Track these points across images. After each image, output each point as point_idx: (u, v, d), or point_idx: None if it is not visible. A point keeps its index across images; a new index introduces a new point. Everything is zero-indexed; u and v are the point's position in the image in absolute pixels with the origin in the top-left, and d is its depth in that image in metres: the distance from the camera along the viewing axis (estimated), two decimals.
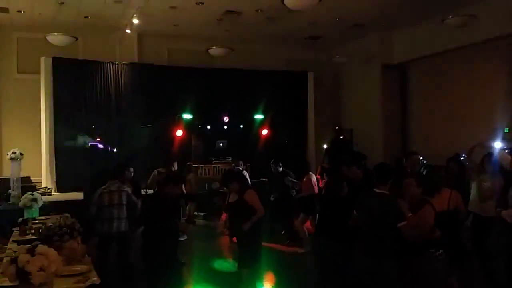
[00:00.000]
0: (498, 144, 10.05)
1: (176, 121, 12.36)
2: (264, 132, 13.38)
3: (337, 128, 13.46)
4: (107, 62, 12.20)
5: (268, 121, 13.40)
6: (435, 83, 12.56)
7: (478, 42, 10.65)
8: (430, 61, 12.47)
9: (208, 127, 13.33)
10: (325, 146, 13.40)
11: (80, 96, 11.88)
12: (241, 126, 13.61)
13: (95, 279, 3.56)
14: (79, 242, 4.34)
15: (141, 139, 11.92)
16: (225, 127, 13.34)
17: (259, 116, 13.36)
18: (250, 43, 13.09)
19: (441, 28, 10.23)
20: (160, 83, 12.38)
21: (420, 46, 11.92)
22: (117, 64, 12.32)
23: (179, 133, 12.25)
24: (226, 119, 13.22)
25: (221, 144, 12.87)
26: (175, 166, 7.82)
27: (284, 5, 8.41)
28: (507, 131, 11.98)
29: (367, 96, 13.46)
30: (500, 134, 10.78)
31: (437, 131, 12.15)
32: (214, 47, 11.63)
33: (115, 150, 11.42)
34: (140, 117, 12.21)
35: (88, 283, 3.49)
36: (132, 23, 10.92)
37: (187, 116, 12.44)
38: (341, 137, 13.21)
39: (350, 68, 13.74)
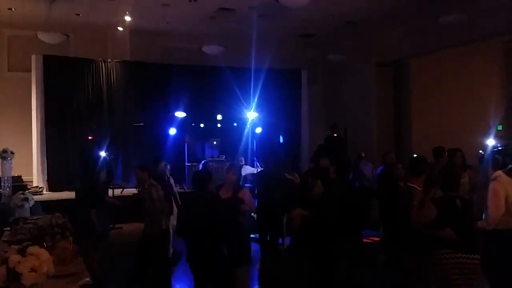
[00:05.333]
0: (491, 142, 10.12)
1: (169, 119, 12.29)
2: (258, 130, 13.33)
3: (333, 125, 13.38)
4: (99, 60, 12.10)
5: (262, 119, 13.36)
6: (430, 81, 12.58)
7: (473, 40, 10.67)
8: (425, 60, 12.49)
9: (202, 125, 13.27)
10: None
11: (72, 94, 11.77)
12: (235, 124, 13.57)
13: (87, 279, 3.51)
14: (71, 242, 4.27)
15: (133, 138, 11.85)
16: (219, 125, 13.29)
17: (252, 114, 13.31)
18: (243, 41, 13.02)
19: (437, 26, 10.22)
20: (153, 81, 12.31)
21: (415, 44, 11.93)
22: (109, 62, 12.23)
23: (172, 131, 12.19)
24: (219, 117, 13.18)
25: (215, 143, 12.82)
26: (163, 166, 7.70)
27: (278, 2, 8.38)
28: (500, 129, 12.05)
29: (361, 94, 13.46)
30: (494, 132, 10.84)
31: (431, 129, 12.17)
32: (207, 44, 11.58)
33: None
34: (133, 115, 12.13)
35: (80, 283, 3.44)
36: (124, 20, 10.85)
37: (180, 114, 12.37)
38: (335, 135, 13.18)
39: (344, 66, 13.72)
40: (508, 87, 12.83)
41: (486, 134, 10.51)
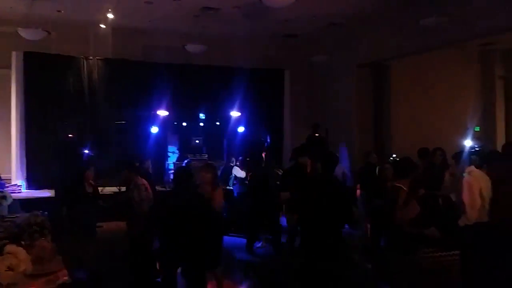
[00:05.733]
0: (468, 143, 10.35)
1: (151, 118, 12.25)
2: (241, 129, 13.36)
3: (314, 124, 13.48)
4: (81, 57, 11.99)
5: (245, 119, 13.39)
6: (410, 83, 12.75)
7: (452, 43, 10.84)
8: (405, 61, 12.64)
9: (184, 124, 13.26)
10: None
11: (52, 91, 11.63)
12: (217, 123, 13.58)
13: (65, 278, 3.50)
14: (49, 240, 4.25)
15: (115, 136, 11.77)
16: (201, 124, 13.29)
17: (235, 114, 13.33)
18: (227, 40, 13.04)
19: (417, 29, 10.35)
20: (135, 79, 12.22)
21: (396, 46, 12.05)
22: (91, 60, 12.12)
23: (154, 130, 12.15)
24: (202, 116, 13.19)
25: (197, 141, 12.83)
26: (149, 164, 7.70)
27: (261, 2, 8.41)
28: (478, 130, 12.32)
29: (343, 94, 13.57)
30: (471, 133, 11.08)
31: (410, 130, 12.34)
32: (190, 43, 11.55)
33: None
34: (114, 113, 12.06)
35: (58, 282, 3.43)
36: (107, 18, 10.76)
37: (162, 113, 12.33)
38: (317, 134, 13.29)
39: (326, 67, 13.81)
40: (484, 89, 13.13)
41: (464, 135, 10.74)
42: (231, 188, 10.54)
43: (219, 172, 9.36)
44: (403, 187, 4.79)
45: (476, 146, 10.45)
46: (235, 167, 10.87)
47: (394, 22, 11.64)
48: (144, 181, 6.19)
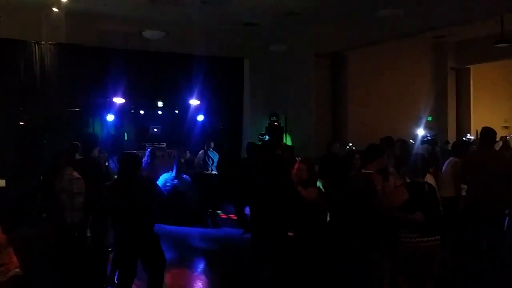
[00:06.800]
0: (421, 132, 10.72)
1: (107, 105, 11.95)
2: (200, 117, 13.27)
3: (273, 113, 13.59)
4: (32, 42, 11.52)
5: (204, 107, 13.30)
6: (366, 73, 13.03)
7: (407, 34, 11.12)
8: (362, 52, 12.88)
9: (142, 112, 13.03)
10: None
11: (2, 77, 11.14)
12: (176, 111, 13.43)
13: (17, 270, 3.39)
14: (0, 231, 4.10)
15: (68, 124, 11.43)
16: (159, 112, 13.10)
17: (194, 102, 13.22)
18: (186, 27, 12.82)
19: (373, 20, 10.56)
20: (90, 65, 11.85)
21: (353, 37, 12.27)
22: (43, 44, 11.67)
23: (110, 117, 11.86)
24: (160, 104, 13.00)
25: (155, 130, 12.65)
26: (97, 153, 7.46)
27: None
28: (430, 119, 12.76)
29: (301, 84, 13.71)
30: (423, 122, 11.47)
31: (366, 119, 12.64)
32: (148, 29, 11.31)
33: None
34: (68, 100, 11.68)
35: (9, 274, 3.32)
36: (60, 1, 10.37)
37: (118, 100, 12.05)
38: (276, 123, 13.40)
39: (285, 56, 13.89)
40: (437, 80, 13.59)
41: (416, 124, 11.10)
42: (215, 173, 10.52)
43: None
44: (373, 172, 4.91)
45: (428, 135, 10.83)
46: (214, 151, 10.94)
47: (351, 13, 11.81)
48: (76, 174, 5.92)
